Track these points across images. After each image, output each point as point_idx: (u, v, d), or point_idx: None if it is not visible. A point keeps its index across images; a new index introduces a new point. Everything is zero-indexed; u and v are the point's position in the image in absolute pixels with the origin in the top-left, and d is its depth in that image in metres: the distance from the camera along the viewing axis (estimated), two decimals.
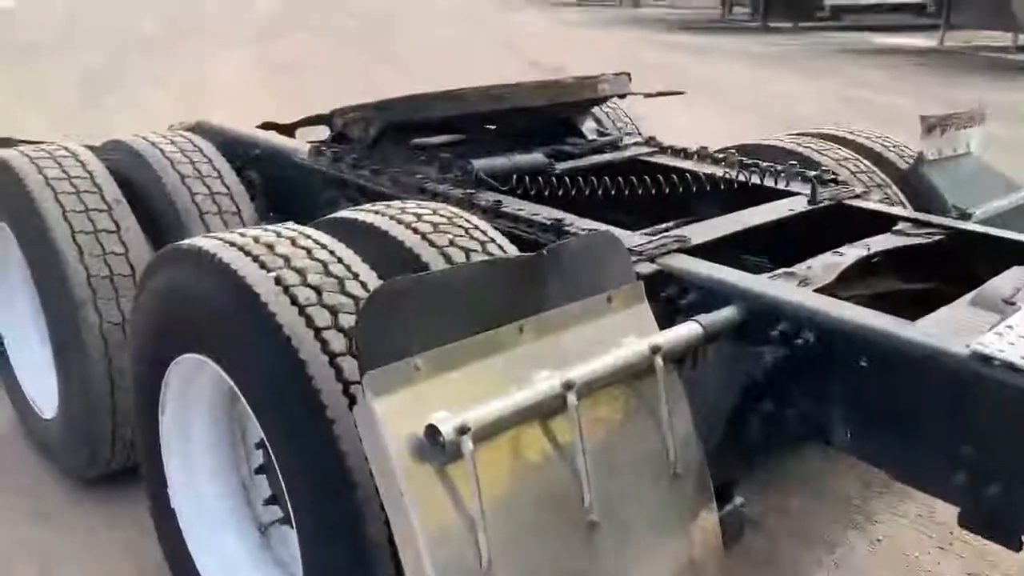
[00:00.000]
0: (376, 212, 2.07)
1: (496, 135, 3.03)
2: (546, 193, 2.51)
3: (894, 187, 2.85)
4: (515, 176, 2.56)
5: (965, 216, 2.51)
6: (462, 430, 1.34)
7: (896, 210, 2.53)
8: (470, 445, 1.34)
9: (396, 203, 2.15)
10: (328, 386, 1.61)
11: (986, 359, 1.50)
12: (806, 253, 2.14)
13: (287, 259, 1.78)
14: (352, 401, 1.58)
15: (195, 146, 2.99)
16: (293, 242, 1.86)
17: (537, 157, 2.80)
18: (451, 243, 1.94)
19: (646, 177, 2.60)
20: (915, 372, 1.61)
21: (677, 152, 3.06)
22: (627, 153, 3.06)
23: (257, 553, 2.18)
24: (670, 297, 1.95)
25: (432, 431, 1.34)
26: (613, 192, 2.55)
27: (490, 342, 1.50)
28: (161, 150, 2.92)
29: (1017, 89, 10.35)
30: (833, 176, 2.69)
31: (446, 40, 15.17)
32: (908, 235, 2.27)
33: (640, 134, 3.47)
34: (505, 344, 1.52)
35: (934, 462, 1.61)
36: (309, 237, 1.89)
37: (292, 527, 1.79)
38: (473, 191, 2.48)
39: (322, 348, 1.63)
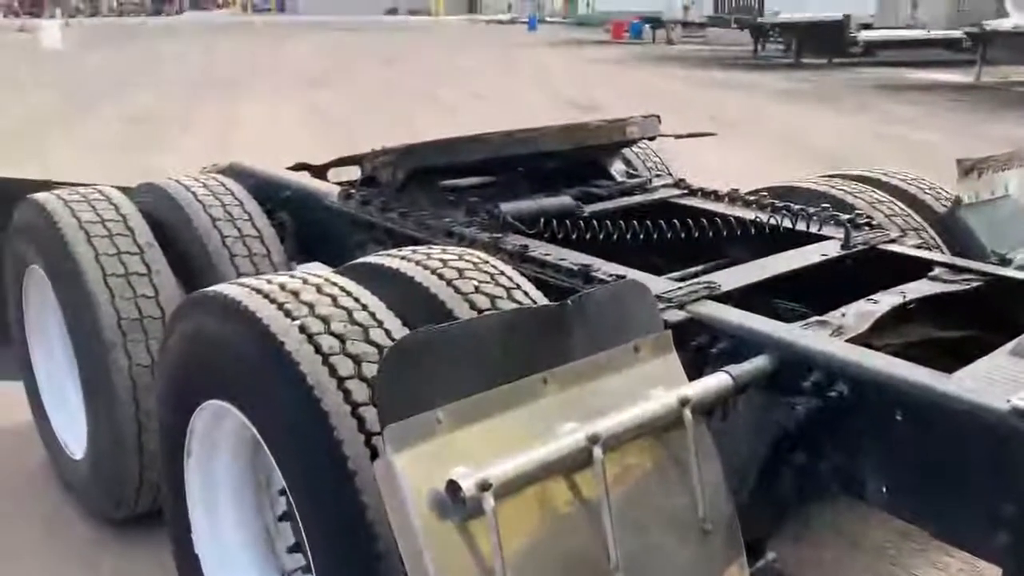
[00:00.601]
0: (402, 257, 2.06)
1: (524, 177, 3.03)
2: (574, 236, 2.49)
3: (930, 231, 2.78)
4: (542, 219, 2.55)
5: (1004, 261, 2.45)
6: (483, 486, 1.31)
7: (932, 255, 2.48)
8: (491, 502, 1.32)
9: (422, 248, 2.15)
10: (350, 437, 1.59)
11: None
12: (840, 299, 2.09)
13: (312, 306, 1.78)
14: (374, 453, 1.56)
15: (226, 189, 3.01)
16: (319, 289, 1.85)
17: (565, 200, 2.79)
18: (476, 290, 1.92)
19: (676, 220, 2.56)
20: (952, 427, 1.56)
21: (707, 194, 3.02)
22: (656, 195, 3.03)
23: None
24: (700, 346, 1.91)
25: (453, 487, 1.31)
26: (642, 235, 2.53)
27: (513, 394, 1.48)
28: (193, 193, 2.95)
29: None
30: (867, 220, 2.64)
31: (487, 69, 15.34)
32: (945, 281, 2.21)
33: (671, 175, 3.43)
34: (529, 396, 1.50)
35: (974, 521, 1.55)
36: (335, 284, 1.89)
37: None
38: (500, 235, 2.46)
39: (345, 398, 1.62)
